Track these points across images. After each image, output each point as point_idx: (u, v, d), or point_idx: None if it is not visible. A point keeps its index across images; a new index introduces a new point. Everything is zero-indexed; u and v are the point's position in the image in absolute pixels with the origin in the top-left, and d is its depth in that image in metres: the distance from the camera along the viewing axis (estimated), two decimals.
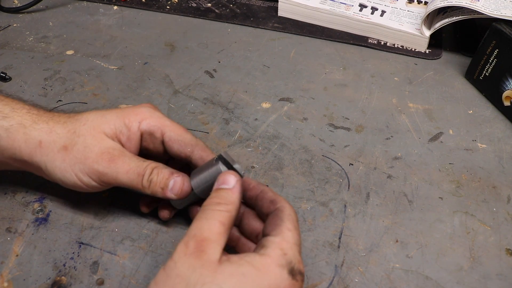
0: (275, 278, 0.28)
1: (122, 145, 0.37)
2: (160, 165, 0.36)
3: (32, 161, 0.36)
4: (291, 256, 0.29)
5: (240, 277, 0.27)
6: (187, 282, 0.27)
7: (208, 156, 0.37)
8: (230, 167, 0.34)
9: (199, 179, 0.35)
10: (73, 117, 0.38)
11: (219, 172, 0.34)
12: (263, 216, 0.34)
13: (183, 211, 0.40)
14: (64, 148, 0.36)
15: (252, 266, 0.28)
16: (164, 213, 0.39)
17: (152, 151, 0.39)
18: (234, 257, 0.28)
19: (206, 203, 0.31)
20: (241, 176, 0.34)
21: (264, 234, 0.32)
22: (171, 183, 0.35)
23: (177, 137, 0.37)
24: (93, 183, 0.36)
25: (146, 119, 0.38)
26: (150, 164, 0.36)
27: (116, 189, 0.43)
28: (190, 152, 0.37)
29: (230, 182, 0.32)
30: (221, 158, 0.34)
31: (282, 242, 0.30)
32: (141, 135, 0.38)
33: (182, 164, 0.41)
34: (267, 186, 0.34)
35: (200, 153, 0.37)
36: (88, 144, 0.36)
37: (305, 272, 0.37)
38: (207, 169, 0.35)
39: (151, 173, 0.35)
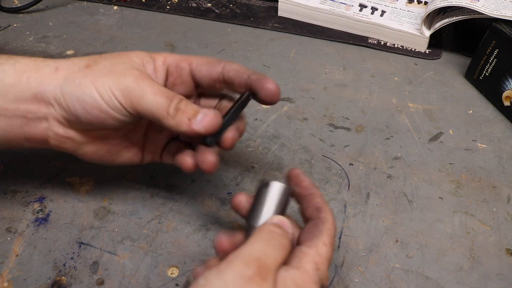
0: None
1: None
2: (188, 100, 0.34)
3: (41, 96, 0.32)
4: (322, 272, 0.29)
5: None
6: None
7: (238, 67, 0.36)
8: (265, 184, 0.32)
9: (230, 117, 0.35)
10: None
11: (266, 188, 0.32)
12: (304, 217, 0.33)
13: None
14: (87, 67, 0.33)
15: (294, 284, 0.27)
16: (188, 162, 0.36)
17: (179, 87, 0.36)
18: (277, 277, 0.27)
19: (269, 228, 0.29)
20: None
21: (299, 240, 0.31)
22: (200, 115, 0.32)
23: (205, 61, 0.36)
24: (115, 101, 0.32)
25: (170, 55, 0.36)
26: (178, 95, 0.33)
27: (116, 189, 0.43)
28: (221, 67, 0.36)
29: (287, 227, 0.31)
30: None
31: (315, 256, 0.29)
32: (167, 71, 0.36)
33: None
34: (318, 188, 0.33)
35: (230, 66, 0.36)
36: (115, 62, 0.33)
37: None
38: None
39: (179, 102, 0.32)
